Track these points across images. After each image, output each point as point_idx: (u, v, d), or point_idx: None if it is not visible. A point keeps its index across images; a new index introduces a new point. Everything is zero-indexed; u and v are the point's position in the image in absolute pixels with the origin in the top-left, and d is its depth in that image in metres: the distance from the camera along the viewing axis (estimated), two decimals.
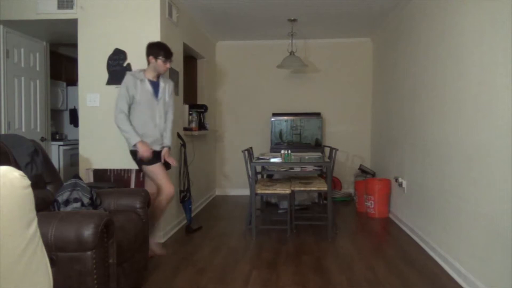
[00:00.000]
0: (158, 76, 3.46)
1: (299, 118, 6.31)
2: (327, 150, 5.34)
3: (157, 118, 3.43)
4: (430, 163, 3.64)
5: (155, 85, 3.43)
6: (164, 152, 3.46)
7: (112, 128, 3.92)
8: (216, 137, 6.60)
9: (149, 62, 3.41)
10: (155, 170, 3.41)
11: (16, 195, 0.94)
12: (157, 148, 3.44)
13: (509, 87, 2.31)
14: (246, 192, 5.43)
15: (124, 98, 3.32)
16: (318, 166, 4.47)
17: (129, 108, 3.35)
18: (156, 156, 3.42)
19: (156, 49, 3.39)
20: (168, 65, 3.44)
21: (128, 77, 3.37)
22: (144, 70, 3.44)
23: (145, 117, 3.38)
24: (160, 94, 3.43)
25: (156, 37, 3.88)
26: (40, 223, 1.04)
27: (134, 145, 3.32)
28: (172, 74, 4.22)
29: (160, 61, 3.37)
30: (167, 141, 3.51)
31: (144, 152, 3.29)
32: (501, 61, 2.41)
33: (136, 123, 3.35)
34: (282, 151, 4.67)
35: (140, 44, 3.89)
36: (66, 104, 5.96)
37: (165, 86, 3.49)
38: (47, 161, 2.93)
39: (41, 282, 1.01)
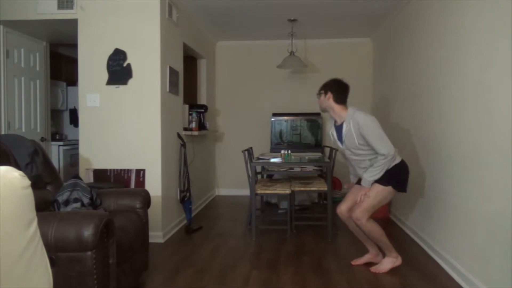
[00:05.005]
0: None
1: (299, 118, 6.31)
2: (327, 150, 5.34)
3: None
4: (430, 163, 3.64)
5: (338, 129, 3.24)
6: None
7: (112, 128, 3.94)
8: (216, 137, 6.60)
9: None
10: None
11: (16, 195, 0.94)
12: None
13: (509, 87, 2.31)
14: (246, 192, 5.43)
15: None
16: (318, 166, 4.47)
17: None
18: None
19: None
20: (317, 99, 3.31)
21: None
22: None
23: None
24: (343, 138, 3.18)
25: (156, 37, 3.89)
26: (40, 223, 1.04)
27: None
28: (172, 74, 4.22)
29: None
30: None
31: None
32: (501, 61, 2.41)
33: None
34: (282, 151, 4.67)
35: (140, 44, 3.90)
36: (66, 104, 5.96)
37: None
38: (47, 161, 2.93)
39: (41, 282, 1.01)
